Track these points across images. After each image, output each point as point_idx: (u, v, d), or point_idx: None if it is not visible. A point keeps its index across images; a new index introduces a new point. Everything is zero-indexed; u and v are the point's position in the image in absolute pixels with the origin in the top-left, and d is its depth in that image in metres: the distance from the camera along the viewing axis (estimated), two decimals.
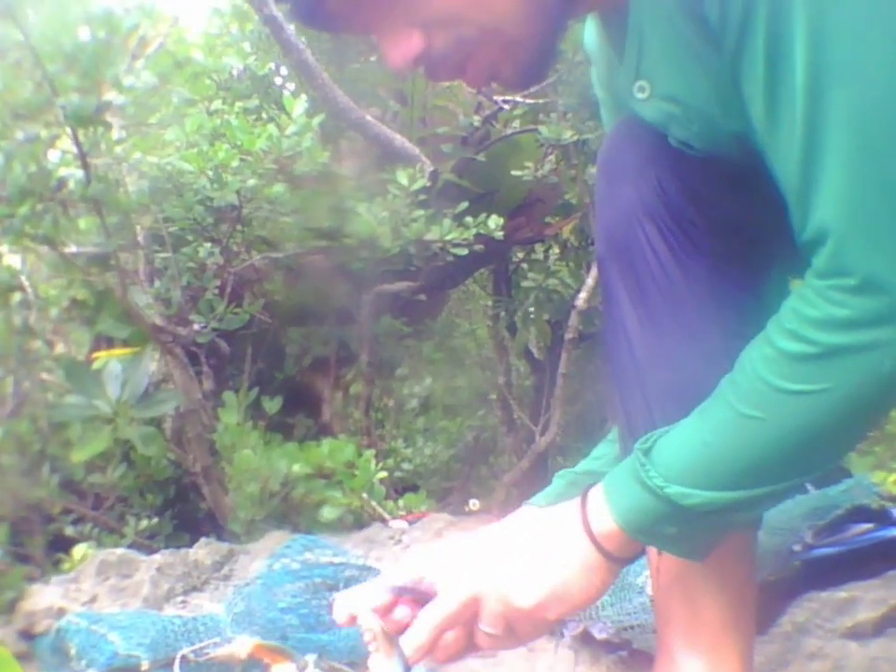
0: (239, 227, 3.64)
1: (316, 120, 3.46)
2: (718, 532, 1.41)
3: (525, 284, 4.56)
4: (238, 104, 3.68)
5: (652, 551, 1.57)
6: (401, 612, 1.49)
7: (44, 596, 2.71)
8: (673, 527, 1.37)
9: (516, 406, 4.80)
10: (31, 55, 2.94)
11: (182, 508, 3.78)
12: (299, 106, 3.40)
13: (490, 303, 5.32)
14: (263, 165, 3.39)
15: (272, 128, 3.36)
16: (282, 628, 2.14)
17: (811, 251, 1.26)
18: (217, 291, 3.64)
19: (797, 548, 2.14)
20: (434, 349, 4.61)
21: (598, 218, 1.61)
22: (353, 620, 1.51)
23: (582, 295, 3.82)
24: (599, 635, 2.14)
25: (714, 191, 1.44)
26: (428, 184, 3.63)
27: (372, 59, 4.20)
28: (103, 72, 2.96)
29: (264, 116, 3.77)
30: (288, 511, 3.26)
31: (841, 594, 2.08)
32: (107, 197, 3.13)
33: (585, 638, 2.19)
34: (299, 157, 3.44)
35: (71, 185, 3.10)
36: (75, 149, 3.05)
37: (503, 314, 4.94)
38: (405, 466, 4.33)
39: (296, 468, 3.17)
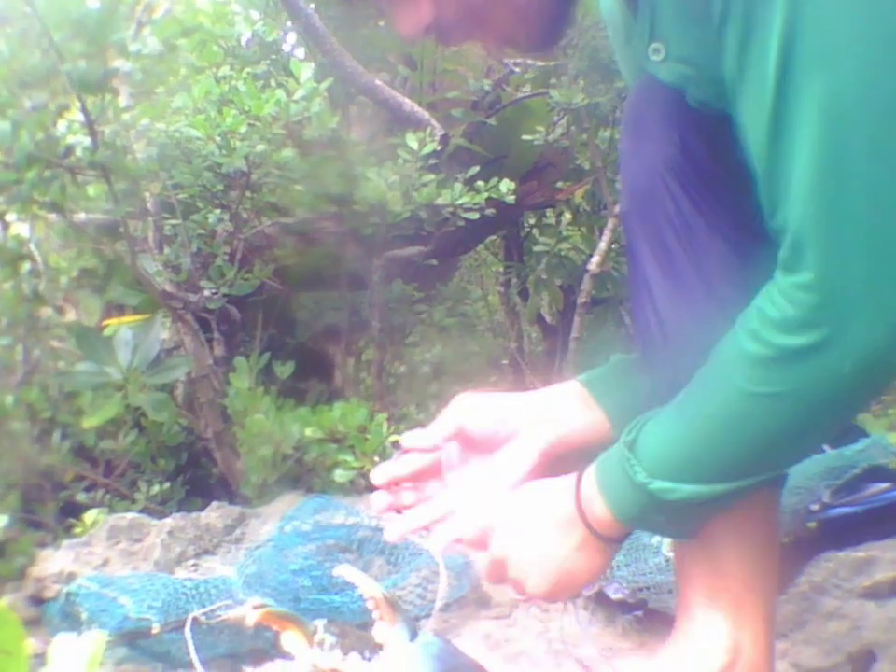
0: (248, 193, 3.62)
1: (324, 85, 3.44)
2: (706, 517, 1.45)
3: (536, 249, 4.54)
4: (246, 70, 3.65)
5: None
6: None
7: (54, 561, 2.71)
8: (661, 516, 1.41)
9: (528, 371, 4.78)
10: (37, 22, 2.92)
11: (193, 473, 3.77)
12: (307, 71, 3.38)
13: (501, 269, 5.30)
14: (272, 131, 3.37)
15: (280, 93, 3.34)
16: (294, 590, 2.13)
17: (778, 241, 1.26)
18: (226, 258, 3.63)
19: (815, 507, 2.12)
20: (445, 314, 4.57)
21: (623, 175, 1.60)
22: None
23: (595, 259, 3.80)
24: (615, 595, 2.14)
25: (740, 150, 1.42)
26: (439, 148, 3.61)
27: (381, 24, 4.17)
28: (108, 38, 2.94)
29: (272, 82, 3.74)
30: (301, 475, 3.25)
31: (858, 553, 2.07)
32: (115, 163, 3.11)
33: (600, 599, 2.19)
34: (307, 122, 3.42)
35: (79, 152, 3.08)
36: (82, 118, 3.03)
37: (515, 279, 4.92)
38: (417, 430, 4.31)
39: (308, 431, 3.17)
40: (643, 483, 1.38)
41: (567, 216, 4.81)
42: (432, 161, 3.57)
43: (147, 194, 3.57)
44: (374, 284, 3.82)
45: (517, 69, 4.12)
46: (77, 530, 3.10)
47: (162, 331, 3.63)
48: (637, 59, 1.48)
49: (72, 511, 3.41)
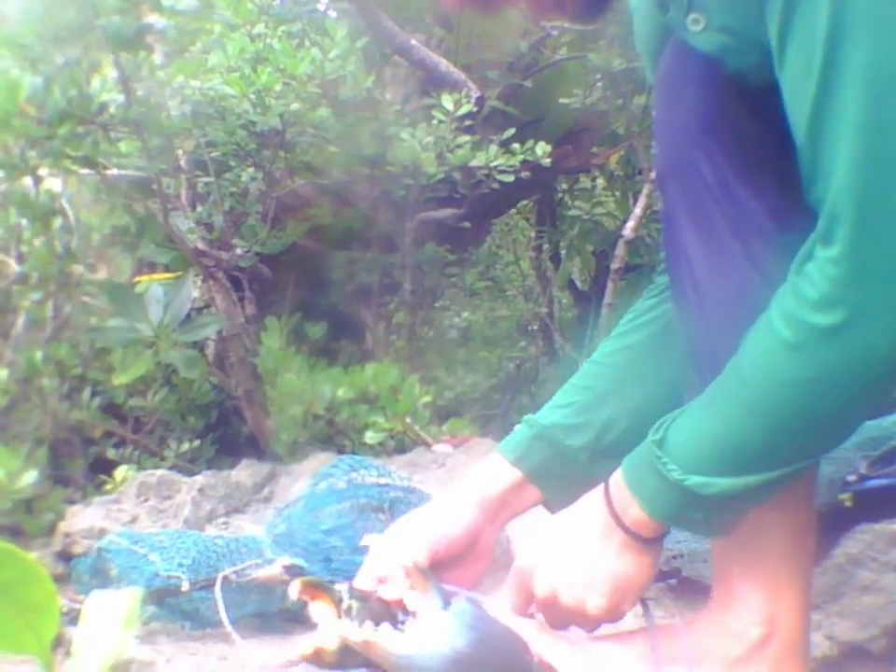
0: (282, 152, 3.60)
1: (360, 44, 3.42)
2: (743, 511, 1.42)
3: (570, 213, 4.52)
4: (281, 28, 3.63)
5: None
6: None
7: (84, 517, 2.72)
8: (699, 513, 1.39)
9: (559, 336, 4.77)
10: None
11: (223, 432, 3.78)
12: (342, 30, 3.36)
13: (533, 234, 5.29)
14: (307, 89, 3.36)
15: (315, 52, 3.32)
16: (325, 550, 2.12)
17: (818, 212, 1.24)
18: (259, 216, 3.63)
19: (851, 478, 2.10)
20: (477, 278, 4.57)
21: (657, 141, 1.57)
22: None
23: (630, 224, 3.78)
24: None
25: (777, 107, 1.39)
26: (474, 109, 3.58)
27: None
28: None
29: (307, 42, 3.72)
30: (331, 435, 3.25)
31: (894, 526, 2.04)
32: (149, 120, 3.11)
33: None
34: (342, 81, 3.41)
35: (112, 109, 3.07)
36: (116, 75, 3.02)
37: (547, 244, 4.91)
38: (446, 394, 4.32)
39: (340, 392, 3.16)
40: (678, 480, 1.36)
41: (601, 181, 4.79)
42: (467, 123, 3.55)
43: (181, 151, 3.56)
44: (406, 246, 3.81)
45: (554, 31, 4.08)
46: (107, 487, 3.11)
47: (193, 290, 3.62)
48: (673, 27, 1.46)
49: (101, 468, 3.43)
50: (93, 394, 3.49)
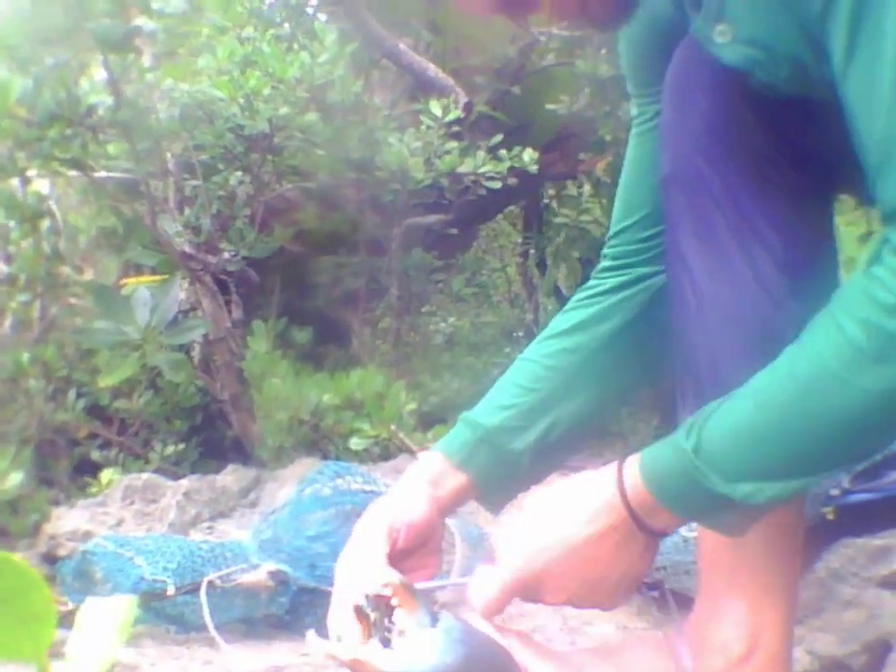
0: (270, 156, 3.61)
1: (349, 48, 3.42)
2: (772, 510, 1.38)
3: (557, 220, 4.53)
4: (270, 31, 3.63)
5: None
6: None
7: (69, 520, 2.72)
8: (737, 517, 1.35)
9: None
10: None
11: (208, 435, 3.78)
12: (331, 34, 3.37)
13: (519, 240, 5.29)
14: (295, 94, 3.37)
15: (304, 56, 3.33)
16: (310, 556, 2.12)
17: (889, 225, 1.21)
18: (247, 220, 3.63)
19: (834, 493, 2.11)
20: (464, 284, 4.57)
21: (664, 142, 1.55)
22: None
23: None
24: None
25: (792, 126, 1.39)
26: (462, 115, 3.59)
27: None
28: None
29: (295, 46, 3.72)
30: (316, 441, 3.25)
31: (877, 541, 2.05)
32: (137, 123, 3.12)
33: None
34: (331, 86, 3.42)
35: (101, 111, 3.07)
36: (105, 77, 3.02)
37: (533, 251, 4.91)
38: (431, 400, 4.32)
39: (326, 398, 3.17)
40: (724, 493, 1.29)
41: (588, 188, 4.79)
42: (455, 129, 3.56)
43: (169, 154, 3.56)
44: (393, 251, 3.81)
45: (542, 38, 4.09)
46: (93, 489, 3.11)
47: (180, 293, 3.63)
48: (695, 36, 1.45)
49: (85, 470, 3.43)
50: (79, 395, 3.50)
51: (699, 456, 1.30)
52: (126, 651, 1.94)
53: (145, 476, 2.95)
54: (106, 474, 3.13)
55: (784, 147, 1.38)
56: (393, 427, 3.15)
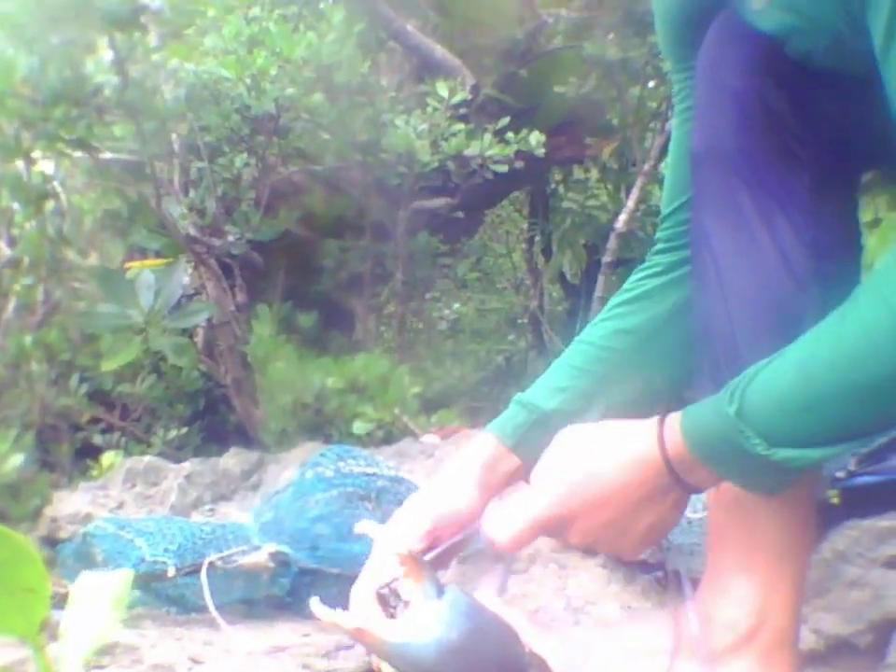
0: (275, 138, 3.59)
1: (357, 28, 3.40)
2: (788, 481, 1.38)
3: (564, 205, 4.51)
4: (277, 11, 3.61)
5: None
6: None
7: (70, 502, 2.71)
8: (775, 479, 1.35)
9: (549, 329, 4.76)
10: None
11: (211, 420, 3.78)
12: (338, 14, 3.35)
13: (525, 226, 5.28)
14: (302, 74, 3.35)
15: (311, 35, 3.30)
16: (312, 538, 2.10)
17: None
18: (252, 203, 3.61)
19: (840, 475, 2.10)
20: (469, 269, 4.57)
21: (698, 117, 1.54)
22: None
23: (622, 217, 3.77)
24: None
25: (824, 106, 1.38)
26: (469, 97, 3.57)
27: None
28: None
29: (302, 26, 3.70)
30: (319, 424, 3.23)
31: (882, 523, 2.04)
32: (143, 103, 3.09)
33: (620, 558, 2.16)
34: (338, 66, 3.39)
35: (107, 92, 3.05)
36: (111, 56, 3.00)
37: (538, 237, 4.89)
38: (434, 386, 4.32)
39: (330, 381, 3.15)
40: (766, 455, 1.29)
41: (595, 173, 4.78)
42: (462, 111, 3.54)
43: (174, 136, 3.54)
44: (399, 235, 3.80)
45: (550, 20, 4.07)
46: (94, 472, 3.10)
47: (184, 277, 3.61)
48: (730, 4, 1.44)
49: (87, 454, 3.42)
50: (81, 380, 3.48)
51: (742, 420, 1.30)
52: (126, 632, 1.92)
53: (146, 459, 2.94)
54: (108, 457, 3.11)
55: (814, 127, 1.37)
56: (396, 411, 3.15)
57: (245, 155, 3.67)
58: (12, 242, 3.54)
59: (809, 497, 1.52)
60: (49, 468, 3.30)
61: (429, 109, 3.50)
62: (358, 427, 3.11)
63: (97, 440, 3.49)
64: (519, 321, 5.42)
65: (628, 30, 3.65)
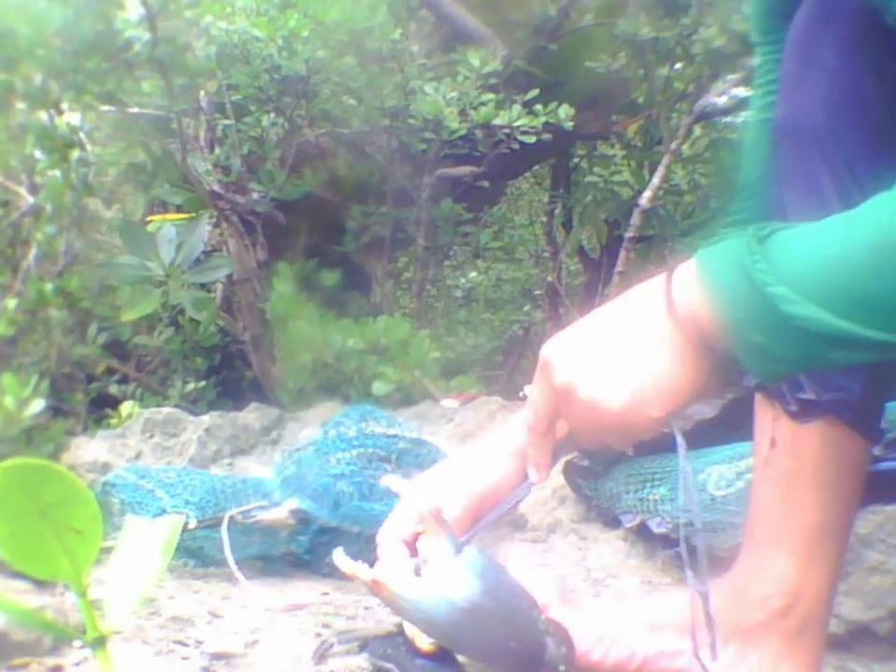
0: (304, 100, 3.59)
1: None
2: (805, 361, 1.26)
3: (588, 179, 4.52)
4: None
5: (761, 442, 1.53)
6: None
7: (88, 450, 2.72)
8: (761, 335, 1.21)
9: (566, 301, 4.77)
10: None
11: (227, 375, 3.79)
12: None
13: (546, 199, 5.28)
14: (334, 37, 3.34)
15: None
16: (334, 495, 2.11)
17: None
18: (277, 162, 3.62)
19: None
20: (491, 238, 4.56)
21: (781, 92, 1.51)
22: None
23: (647, 194, 3.76)
24: (657, 529, 2.11)
25: None
26: (500, 68, 3.56)
27: None
28: None
29: None
30: (338, 384, 3.24)
31: None
32: (174, 60, 3.09)
33: (641, 532, 2.17)
34: (370, 32, 3.39)
35: (138, 46, 3.05)
36: (143, 12, 3.00)
37: (559, 210, 4.89)
38: (448, 354, 4.33)
39: (350, 342, 3.16)
40: (763, 282, 1.18)
41: (619, 150, 4.78)
42: (492, 81, 3.52)
43: (202, 93, 3.54)
44: (423, 201, 3.80)
45: None
46: (112, 421, 3.10)
47: (206, 232, 3.62)
48: None
49: (102, 404, 3.43)
50: (99, 330, 3.49)
51: (761, 244, 1.21)
52: None
53: (165, 410, 2.95)
54: (126, 407, 3.12)
55: None
56: (417, 373, 3.16)
57: (272, 115, 3.67)
58: (35, 190, 3.54)
59: (856, 481, 1.52)
60: (62, 415, 3.31)
61: (459, 78, 3.49)
62: (378, 387, 3.12)
63: (113, 390, 3.51)
64: (536, 293, 5.42)
65: (659, 11, 3.64)
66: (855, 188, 1.36)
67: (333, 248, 3.93)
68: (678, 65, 3.95)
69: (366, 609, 1.89)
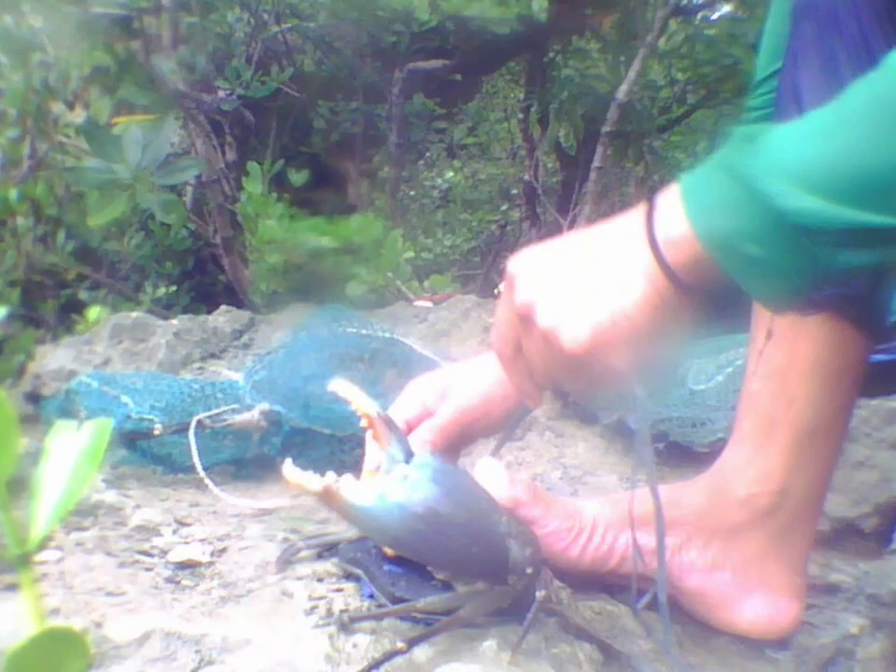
0: None
1: None
2: (809, 271, 1.06)
3: (563, 73, 4.45)
4: None
5: (757, 334, 1.48)
6: None
7: (54, 358, 2.67)
8: (757, 246, 1.04)
9: (544, 200, 4.72)
10: None
11: (200, 280, 3.74)
12: None
13: (521, 97, 5.21)
14: None
15: None
16: (304, 397, 2.06)
17: None
18: (243, 60, 3.54)
19: None
20: (465, 135, 4.50)
21: (801, 62, 1.45)
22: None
23: (623, 88, 3.70)
24: (635, 425, 2.07)
25: None
26: None
27: None
28: None
29: None
30: (311, 286, 3.19)
31: (891, 403, 2.01)
32: None
33: (619, 428, 2.13)
34: None
35: None
36: None
37: (535, 106, 4.82)
38: (424, 255, 4.28)
39: (324, 241, 3.09)
40: (753, 176, 1.03)
41: (594, 45, 4.71)
42: None
43: None
44: (394, 96, 3.72)
45: None
46: (79, 327, 3.04)
47: (173, 136, 3.54)
48: None
49: (73, 312, 3.37)
50: (68, 237, 3.43)
51: (749, 141, 1.06)
52: (109, 492, 1.88)
53: (134, 315, 2.89)
54: (93, 311, 3.06)
55: None
56: (390, 275, 3.11)
57: (237, 10, 3.58)
58: None
59: (854, 385, 1.47)
60: (34, 324, 3.26)
61: None
62: (352, 287, 3.07)
63: (83, 296, 3.45)
64: (513, 192, 5.37)
65: None
66: (871, 68, 1.30)
67: (303, 148, 3.86)
68: None
69: None
